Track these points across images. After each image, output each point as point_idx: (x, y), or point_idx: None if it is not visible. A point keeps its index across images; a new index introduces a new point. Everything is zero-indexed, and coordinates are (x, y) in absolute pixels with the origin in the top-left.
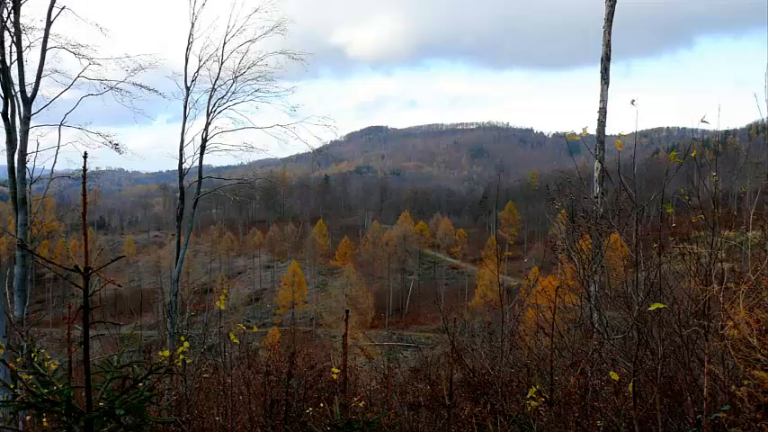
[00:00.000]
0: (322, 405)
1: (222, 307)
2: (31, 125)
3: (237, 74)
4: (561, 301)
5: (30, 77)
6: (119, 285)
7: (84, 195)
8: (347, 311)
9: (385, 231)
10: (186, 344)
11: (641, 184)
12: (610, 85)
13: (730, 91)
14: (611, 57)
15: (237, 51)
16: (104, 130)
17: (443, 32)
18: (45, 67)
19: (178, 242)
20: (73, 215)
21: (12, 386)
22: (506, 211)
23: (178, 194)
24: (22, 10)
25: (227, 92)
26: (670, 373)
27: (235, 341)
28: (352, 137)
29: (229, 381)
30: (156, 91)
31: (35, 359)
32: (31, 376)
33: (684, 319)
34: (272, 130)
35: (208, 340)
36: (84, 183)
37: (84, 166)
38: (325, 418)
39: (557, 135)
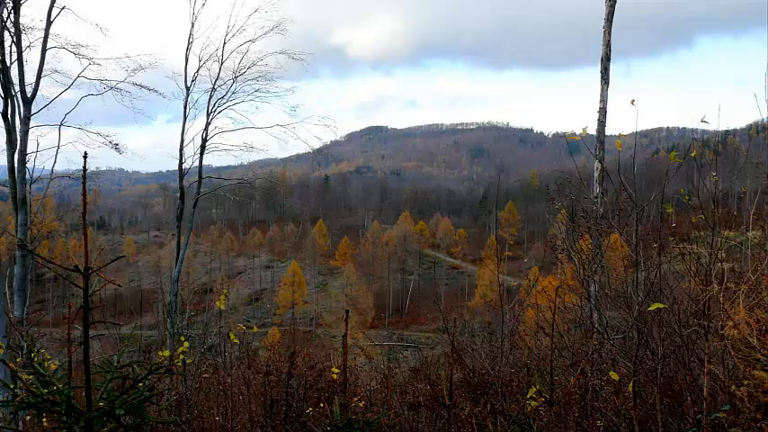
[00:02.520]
0: (322, 405)
1: (222, 307)
2: (31, 125)
3: (237, 74)
4: (561, 301)
5: (30, 77)
6: (119, 285)
7: (84, 195)
8: (347, 311)
9: (385, 231)
10: (186, 344)
11: (641, 184)
12: (610, 85)
13: (730, 91)
14: (611, 57)
15: (237, 51)
16: (104, 130)
17: (443, 32)
18: (45, 67)
19: (178, 242)
20: (73, 215)
21: (12, 386)
22: (506, 211)
23: (178, 194)
24: (22, 10)
25: (227, 92)
26: (670, 373)
27: (235, 341)
28: (352, 137)
29: (229, 381)
30: (156, 91)
31: (35, 359)
32: (31, 376)
33: (684, 319)
34: (272, 130)
35: (208, 340)
36: (84, 183)
37: (84, 166)
38: (325, 418)
39: (557, 135)
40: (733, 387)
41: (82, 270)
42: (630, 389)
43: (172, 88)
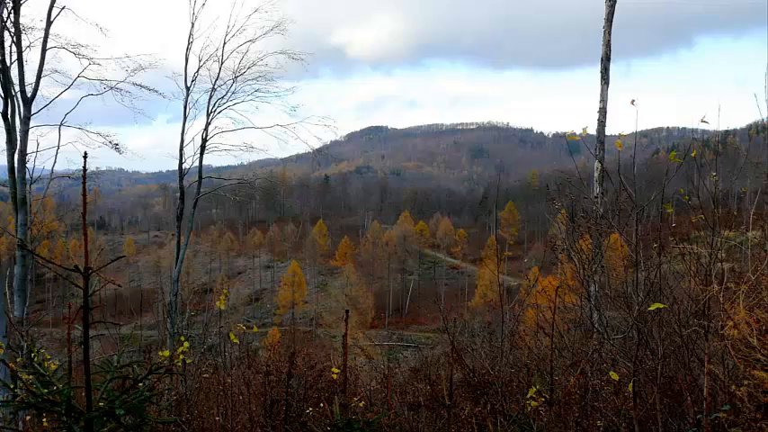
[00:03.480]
0: (322, 405)
1: (222, 307)
2: (31, 125)
3: (237, 74)
4: (561, 301)
5: (30, 77)
6: (119, 285)
7: (84, 195)
8: (347, 311)
9: (385, 231)
10: (186, 344)
11: (641, 184)
12: (610, 85)
13: (730, 91)
14: (611, 57)
15: (237, 51)
16: (104, 130)
17: (443, 32)
18: (45, 67)
19: (178, 242)
20: (73, 215)
21: (12, 386)
22: (506, 211)
23: (178, 194)
24: (22, 10)
25: (227, 92)
26: (670, 373)
27: (235, 341)
28: (352, 137)
29: (229, 381)
30: (156, 91)
31: (35, 359)
32: (31, 376)
33: (684, 319)
34: (272, 130)
35: (208, 340)
36: (84, 183)
37: (84, 166)
38: (325, 418)
39: (557, 135)
40: (733, 387)
41: (82, 270)
42: (630, 389)
43: (172, 88)
